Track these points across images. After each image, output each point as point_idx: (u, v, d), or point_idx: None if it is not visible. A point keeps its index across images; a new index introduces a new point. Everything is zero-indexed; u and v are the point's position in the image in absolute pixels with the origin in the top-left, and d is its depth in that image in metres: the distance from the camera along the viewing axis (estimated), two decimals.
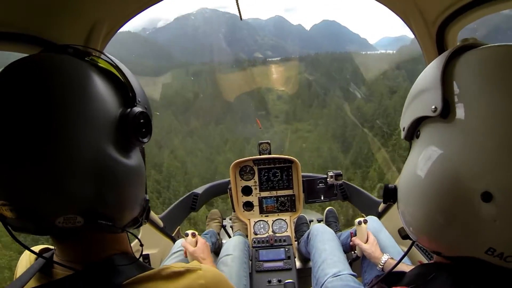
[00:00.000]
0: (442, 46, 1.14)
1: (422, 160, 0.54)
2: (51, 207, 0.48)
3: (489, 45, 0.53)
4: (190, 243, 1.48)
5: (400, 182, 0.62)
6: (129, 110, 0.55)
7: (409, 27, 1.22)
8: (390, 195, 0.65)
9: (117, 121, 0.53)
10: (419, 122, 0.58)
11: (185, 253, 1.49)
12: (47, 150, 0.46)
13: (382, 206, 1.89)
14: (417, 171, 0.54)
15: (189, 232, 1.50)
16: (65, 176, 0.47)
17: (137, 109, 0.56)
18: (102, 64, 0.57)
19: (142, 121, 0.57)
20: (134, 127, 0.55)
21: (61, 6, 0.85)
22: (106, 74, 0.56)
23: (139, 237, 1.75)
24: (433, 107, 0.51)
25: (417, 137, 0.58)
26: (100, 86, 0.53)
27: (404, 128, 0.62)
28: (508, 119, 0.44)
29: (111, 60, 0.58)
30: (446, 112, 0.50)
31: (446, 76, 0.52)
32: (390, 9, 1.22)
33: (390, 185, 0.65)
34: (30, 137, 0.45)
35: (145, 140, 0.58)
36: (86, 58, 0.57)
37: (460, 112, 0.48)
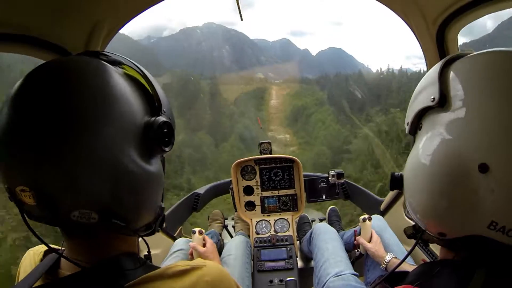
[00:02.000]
0: (442, 45, 1.14)
1: (424, 146, 0.58)
2: (69, 200, 0.49)
3: (483, 51, 0.58)
4: (198, 241, 1.48)
5: (405, 170, 0.65)
6: (154, 119, 0.56)
7: (409, 27, 1.23)
8: (396, 183, 0.67)
9: (142, 128, 0.55)
10: (421, 116, 0.63)
11: (191, 254, 1.49)
12: (73, 145, 0.47)
13: (384, 205, 1.90)
14: (420, 157, 0.58)
15: (197, 229, 1.50)
16: (86, 172, 0.48)
17: (162, 118, 0.57)
18: (131, 72, 0.60)
19: (165, 130, 0.58)
20: (157, 135, 0.56)
21: (62, 7, 0.86)
22: (135, 82, 0.58)
23: (140, 238, 1.76)
24: (432, 97, 0.58)
25: (420, 129, 0.63)
26: (128, 92, 0.55)
27: (408, 123, 0.67)
28: (495, 100, 0.50)
29: (140, 69, 0.60)
30: (443, 101, 0.56)
31: (443, 75, 0.59)
32: (390, 9, 1.22)
33: (396, 173, 0.68)
34: (58, 131, 0.47)
35: (167, 149, 0.59)
36: (117, 66, 0.59)
37: (455, 99, 0.55)
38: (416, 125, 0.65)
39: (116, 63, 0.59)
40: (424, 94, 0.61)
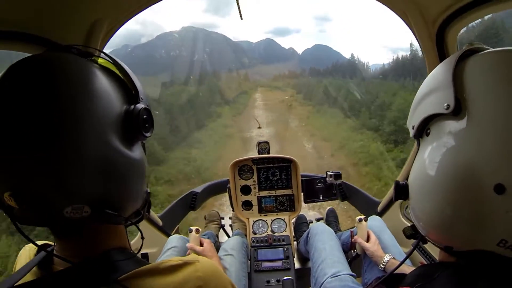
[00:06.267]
0: (442, 46, 1.14)
1: (433, 156, 0.55)
2: (60, 198, 0.49)
3: (498, 48, 0.55)
4: (195, 240, 1.48)
5: (411, 178, 0.63)
6: (133, 107, 0.58)
7: (409, 27, 1.23)
8: (402, 192, 0.65)
9: (123, 117, 0.56)
10: (429, 120, 0.59)
11: (189, 255, 1.48)
12: (55, 143, 0.47)
13: (381, 206, 1.90)
14: (429, 166, 0.55)
15: (193, 228, 1.51)
16: (74, 168, 0.48)
17: (141, 105, 0.59)
18: (105, 63, 0.60)
19: (145, 116, 0.60)
20: (138, 122, 0.58)
21: (61, 5, 0.85)
22: (110, 73, 0.59)
23: (137, 236, 1.75)
24: (446, 104, 0.53)
25: (427, 134, 0.59)
26: (105, 84, 0.55)
27: (413, 127, 0.63)
28: None
29: (112, 58, 0.61)
30: (458, 109, 0.52)
31: (457, 75, 0.54)
32: (390, 8, 1.22)
33: (401, 182, 0.65)
34: (37, 131, 0.46)
35: (148, 134, 0.61)
36: (89, 58, 0.59)
37: (473, 109, 0.50)
38: (423, 130, 0.61)
39: (87, 55, 0.60)
40: (434, 97, 0.57)
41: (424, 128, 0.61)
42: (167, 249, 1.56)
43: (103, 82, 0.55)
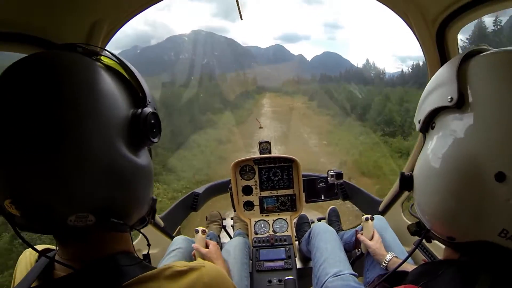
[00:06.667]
0: (442, 45, 1.15)
1: (438, 148, 0.57)
2: (64, 206, 0.47)
3: (501, 49, 0.57)
4: (201, 241, 1.48)
5: (416, 170, 0.64)
6: (141, 110, 0.55)
7: (409, 27, 1.23)
8: (406, 184, 0.66)
9: (129, 120, 0.54)
10: (434, 114, 0.61)
11: (194, 255, 1.48)
12: (58, 148, 0.44)
13: (382, 205, 1.90)
14: (433, 158, 0.57)
15: (200, 228, 1.49)
16: (79, 175, 0.46)
17: (148, 109, 0.56)
18: (110, 63, 0.57)
19: (153, 121, 0.58)
20: (146, 127, 0.55)
21: (62, 6, 0.85)
22: (115, 73, 0.56)
23: (139, 237, 1.75)
24: (449, 97, 0.55)
25: (432, 128, 0.61)
26: (111, 85, 0.53)
27: (419, 121, 0.65)
28: None
29: (119, 59, 0.58)
30: (461, 102, 0.54)
31: (461, 73, 0.56)
32: (390, 8, 1.22)
33: (406, 173, 0.66)
34: (40, 134, 0.44)
35: (156, 140, 0.59)
36: (95, 57, 0.56)
37: (475, 101, 0.52)
38: (428, 124, 0.63)
39: (93, 54, 0.57)
40: (439, 92, 0.59)
41: (430, 122, 0.63)
42: (172, 250, 1.55)
43: (108, 83, 0.52)
